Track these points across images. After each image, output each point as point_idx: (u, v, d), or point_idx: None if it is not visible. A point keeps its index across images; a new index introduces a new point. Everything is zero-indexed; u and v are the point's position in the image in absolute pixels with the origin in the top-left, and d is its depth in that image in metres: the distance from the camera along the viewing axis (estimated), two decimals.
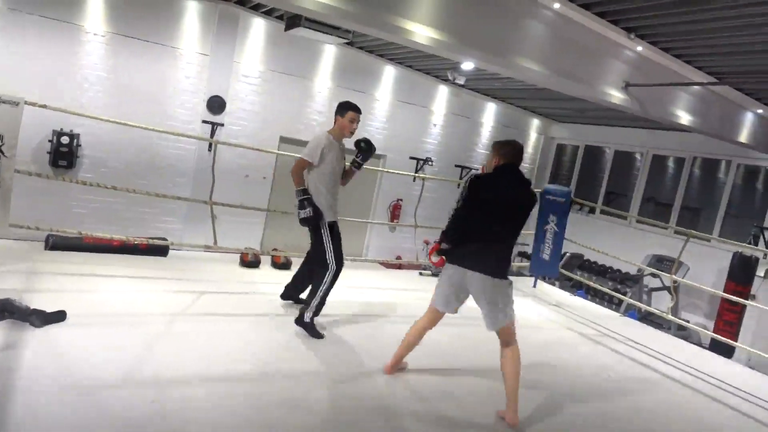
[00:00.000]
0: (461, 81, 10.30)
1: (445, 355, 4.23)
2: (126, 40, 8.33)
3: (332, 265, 4.25)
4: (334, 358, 3.80)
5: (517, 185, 3.38)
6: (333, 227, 4.34)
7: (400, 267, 9.44)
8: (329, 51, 10.10)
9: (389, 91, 10.95)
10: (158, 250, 5.44)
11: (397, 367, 3.76)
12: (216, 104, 9.11)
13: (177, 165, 9.11)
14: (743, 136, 8.15)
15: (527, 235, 7.28)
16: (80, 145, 8.19)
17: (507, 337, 3.37)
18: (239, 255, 5.73)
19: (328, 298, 4.20)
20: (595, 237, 11.18)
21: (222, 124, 9.16)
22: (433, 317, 3.63)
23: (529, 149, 13.24)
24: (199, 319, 4.05)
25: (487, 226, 3.30)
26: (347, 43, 9.97)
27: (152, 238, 5.87)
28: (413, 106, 11.28)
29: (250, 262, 5.57)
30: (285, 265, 5.77)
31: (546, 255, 6.53)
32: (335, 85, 10.34)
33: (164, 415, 2.65)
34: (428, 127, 11.61)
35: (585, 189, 12.63)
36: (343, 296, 5.28)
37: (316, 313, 4.14)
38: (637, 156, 11.86)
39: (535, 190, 9.93)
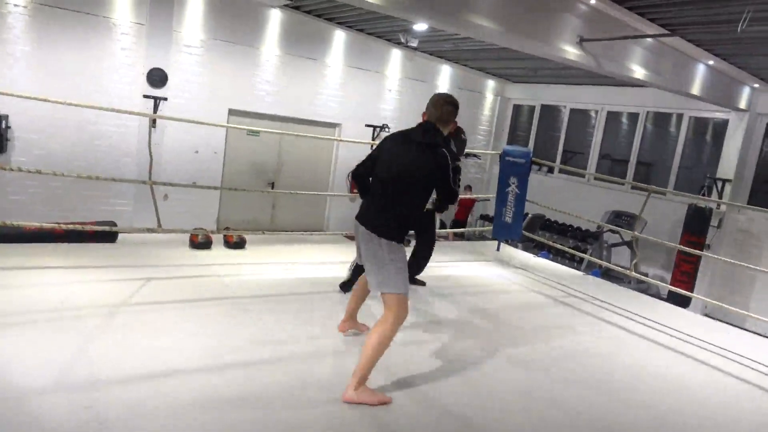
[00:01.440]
0: (414, 44, 10.01)
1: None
2: (52, 11, 7.70)
3: None
4: (294, 341, 3.61)
5: (414, 146, 3.02)
6: None
7: None
8: (275, 16, 9.63)
9: (340, 57, 10.57)
10: (106, 236, 5.07)
11: (350, 324, 3.72)
12: (157, 77, 8.58)
13: (119, 144, 8.60)
14: (695, 89, 8.20)
15: (491, 198, 7.19)
16: (9, 127, 7.61)
17: (386, 308, 2.95)
18: (188, 236, 5.41)
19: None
20: (554, 196, 11.24)
21: (165, 98, 8.66)
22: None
23: (486, 111, 13.13)
24: (142, 309, 3.77)
25: (377, 183, 3.12)
26: (293, 7, 9.50)
27: (99, 223, 5.48)
28: (366, 71, 10.95)
29: (200, 243, 5.26)
30: (239, 245, 5.49)
31: (508, 218, 6.44)
32: (284, 53, 9.91)
33: (101, 421, 2.40)
34: (383, 92, 11.32)
35: (543, 148, 12.63)
36: (306, 274, 5.08)
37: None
38: (593, 113, 11.89)
39: (494, 152, 9.81)
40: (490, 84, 12.93)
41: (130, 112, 6.53)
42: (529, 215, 9.86)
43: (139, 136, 8.51)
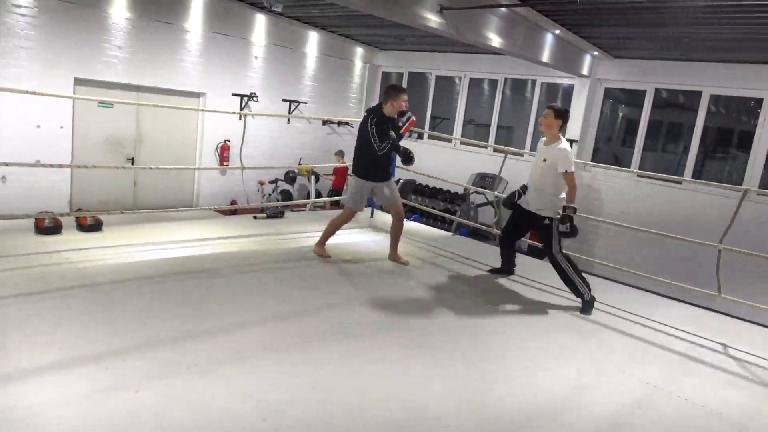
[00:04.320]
0: (279, 8, 9.66)
1: None
2: None
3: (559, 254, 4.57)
4: (159, 326, 3.43)
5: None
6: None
7: (235, 212, 8.95)
8: None
9: (200, 22, 9.94)
10: None
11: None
12: None
13: None
14: (545, 56, 8.82)
15: None
16: None
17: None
18: (33, 221, 4.86)
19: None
20: (425, 161, 11.62)
21: None
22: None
23: (356, 78, 13.15)
24: None
25: None
26: None
27: None
28: (230, 37, 10.42)
29: (47, 228, 4.75)
30: (94, 227, 5.04)
31: None
32: (136, 15, 9.10)
33: None
34: (249, 60, 10.87)
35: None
36: (174, 254, 4.81)
37: (587, 288, 4.53)
38: (457, 80, 12.39)
39: (359, 119, 9.90)
40: (359, 51, 12.93)
41: None
42: (401, 181, 10.14)
43: None
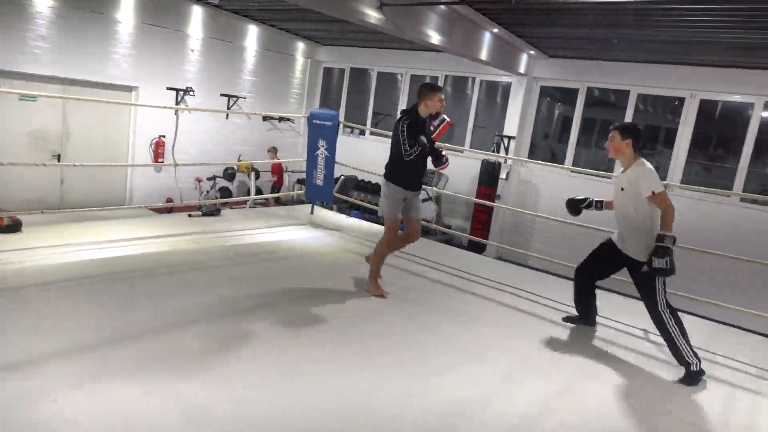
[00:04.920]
0: (216, 0, 9.41)
1: None
2: None
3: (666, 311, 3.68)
4: (84, 328, 3.26)
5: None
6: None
7: (171, 210, 8.67)
8: None
9: (132, 12, 9.54)
10: None
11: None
12: None
13: None
14: (483, 55, 8.98)
15: (302, 162, 7.18)
16: None
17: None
18: None
19: None
20: (367, 157, 11.63)
21: None
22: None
23: (297, 73, 12.99)
24: None
25: None
26: None
27: None
28: (164, 29, 10.06)
29: None
30: (12, 228, 4.74)
31: (319, 180, 6.51)
32: (60, 4, 8.63)
33: None
34: (185, 53, 10.53)
35: (354, 111, 12.95)
36: (102, 254, 4.59)
37: (693, 355, 3.62)
38: (399, 77, 12.44)
39: (302, 115, 9.73)
40: (300, 46, 12.77)
41: None
42: (342, 177, 10.10)
43: None
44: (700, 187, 9.02)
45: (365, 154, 11.99)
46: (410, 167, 4.19)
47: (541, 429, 2.87)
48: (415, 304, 4.44)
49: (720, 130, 9.71)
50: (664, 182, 5.24)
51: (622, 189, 3.85)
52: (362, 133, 12.59)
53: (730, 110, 9.27)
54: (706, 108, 9.25)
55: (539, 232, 10.37)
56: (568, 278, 5.92)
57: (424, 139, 3.99)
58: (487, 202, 7.84)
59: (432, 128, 4.06)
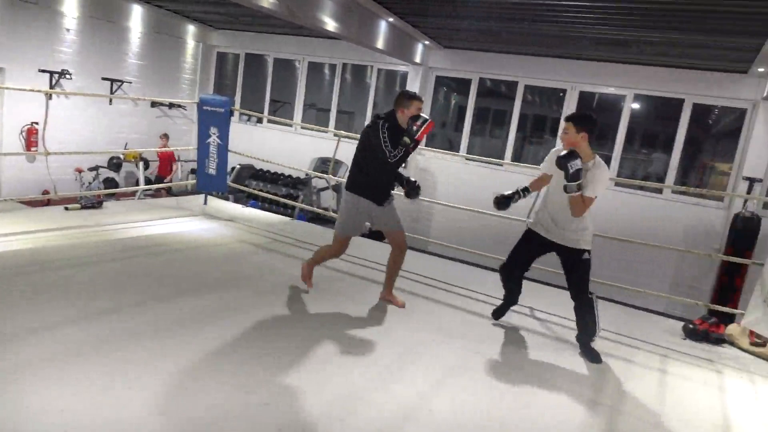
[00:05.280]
0: None
1: None
2: None
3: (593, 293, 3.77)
4: None
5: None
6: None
7: (48, 203, 7.93)
8: None
9: None
10: None
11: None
12: None
13: None
14: (380, 43, 9.04)
15: (192, 150, 6.86)
16: None
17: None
18: None
19: None
20: (265, 146, 11.38)
21: None
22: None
23: (189, 58, 12.37)
24: None
25: None
26: None
27: None
28: (33, 5, 9.13)
29: None
30: None
31: (212, 170, 6.26)
32: None
33: None
34: (59, 32, 9.64)
35: (251, 99, 12.57)
36: None
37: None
38: (297, 64, 12.22)
39: (193, 101, 9.32)
40: (191, 29, 12.14)
41: None
42: (238, 166, 9.78)
43: None
44: None
45: (263, 142, 11.71)
46: (382, 176, 3.98)
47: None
48: (312, 294, 4.40)
49: (598, 119, 10.49)
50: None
51: None
52: (259, 121, 12.26)
53: (606, 102, 10.04)
54: (585, 99, 9.95)
55: (438, 219, 10.69)
56: (468, 263, 6.18)
57: (407, 139, 3.81)
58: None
59: (415, 128, 3.83)
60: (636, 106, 9.71)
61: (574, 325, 3.91)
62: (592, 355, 3.77)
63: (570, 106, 9.88)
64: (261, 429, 2.52)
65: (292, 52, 12.08)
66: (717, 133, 9.66)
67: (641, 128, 10.25)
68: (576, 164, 3.47)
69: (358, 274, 5.00)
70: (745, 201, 8.31)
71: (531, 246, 3.96)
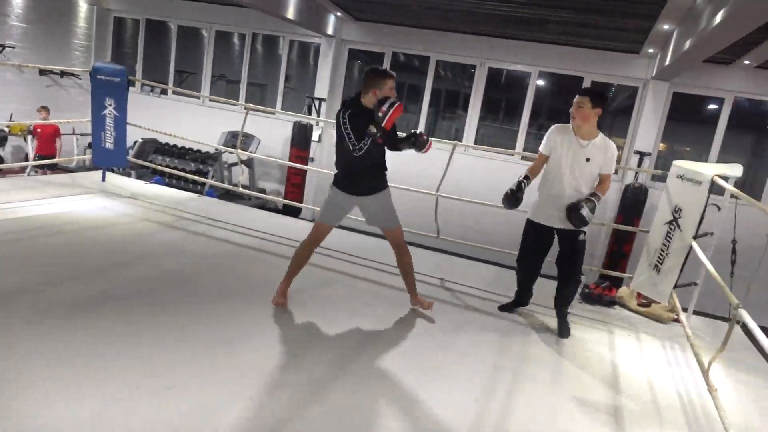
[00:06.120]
0: None
1: None
2: None
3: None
4: None
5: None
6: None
7: None
8: None
9: None
10: None
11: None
12: None
13: None
14: (290, 13, 8.77)
15: (87, 123, 6.37)
16: None
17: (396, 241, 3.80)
18: None
19: None
20: (171, 119, 10.81)
21: None
22: None
23: (81, 23, 11.42)
24: None
25: None
26: None
27: None
28: None
29: None
30: None
31: (109, 144, 5.86)
32: None
33: None
34: None
35: (154, 68, 11.86)
36: None
37: None
38: (203, 32, 11.63)
39: (85, 70, 8.64)
40: None
41: None
42: (140, 140, 9.24)
43: None
44: (489, 147, 10.04)
45: (168, 115, 11.11)
46: (359, 166, 3.55)
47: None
48: (222, 274, 4.27)
49: (506, 95, 10.86)
50: (452, 142, 5.70)
51: (588, 160, 3.66)
52: (164, 92, 11.60)
53: (513, 78, 10.39)
54: (494, 75, 10.24)
55: None
56: (375, 235, 6.20)
57: (374, 128, 3.34)
58: (301, 166, 7.78)
59: (381, 114, 3.35)
60: (541, 82, 10.13)
61: (483, 294, 4.07)
62: (566, 329, 3.92)
63: (480, 82, 10.13)
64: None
65: (198, 19, 11.46)
66: (614, 110, 10.30)
67: (547, 104, 10.73)
68: (584, 209, 3.58)
69: (270, 251, 4.91)
70: (636, 174, 8.97)
71: (536, 238, 3.92)
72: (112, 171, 7.17)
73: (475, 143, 9.94)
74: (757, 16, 4.80)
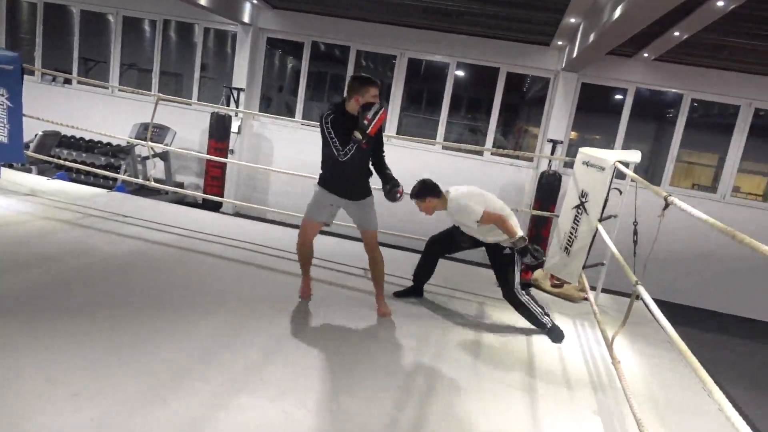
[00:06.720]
0: None
1: None
2: None
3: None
4: None
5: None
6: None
7: None
8: None
9: None
10: None
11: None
12: None
13: None
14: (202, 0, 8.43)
15: None
16: None
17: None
18: None
19: None
20: (79, 110, 10.16)
21: None
22: None
23: None
24: None
25: None
26: None
27: None
28: None
29: None
30: None
31: (3, 137, 5.39)
32: None
33: None
34: None
35: (56, 55, 11.06)
36: None
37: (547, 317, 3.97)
38: (110, 18, 10.96)
39: None
40: None
41: None
42: (41, 133, 8.60)
43: None
44: (413, 138, 10.15)
45: (75, 106, 10.42)
46: (343, 169, 3.59)
47: None
48: (132, 273, 4.06)
49: (427, 86, 11.01)
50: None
51: (462, 225, 4.08)
52: (68, 82, 10.85)
53: (433, 68, 10.54)
54: (413, 66, 10.34)
55: (276, 186, 10.48)
56: (290, 225, 6.11)
57: (359, 135, 3.39)
58: (219, 159, 7.53)
59: (366, 122, 3.40)
60: (460, 73, 10.34)
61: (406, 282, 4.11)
62: (553, 337, 3.92)
63: (401, 72, 10.20)
64: None
65: (102, 4, 10.77)
66: (529, 100, 10.70)
67: (467, 94, 10.98)
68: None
69: (188, 247, 4.72)
70: (549, 161, 9.38)
71: (456, 230, 4.19)
72: (11, 167, 6.65)
73: (398, 134, 10.01)
74: (651, 11, 5.13)
